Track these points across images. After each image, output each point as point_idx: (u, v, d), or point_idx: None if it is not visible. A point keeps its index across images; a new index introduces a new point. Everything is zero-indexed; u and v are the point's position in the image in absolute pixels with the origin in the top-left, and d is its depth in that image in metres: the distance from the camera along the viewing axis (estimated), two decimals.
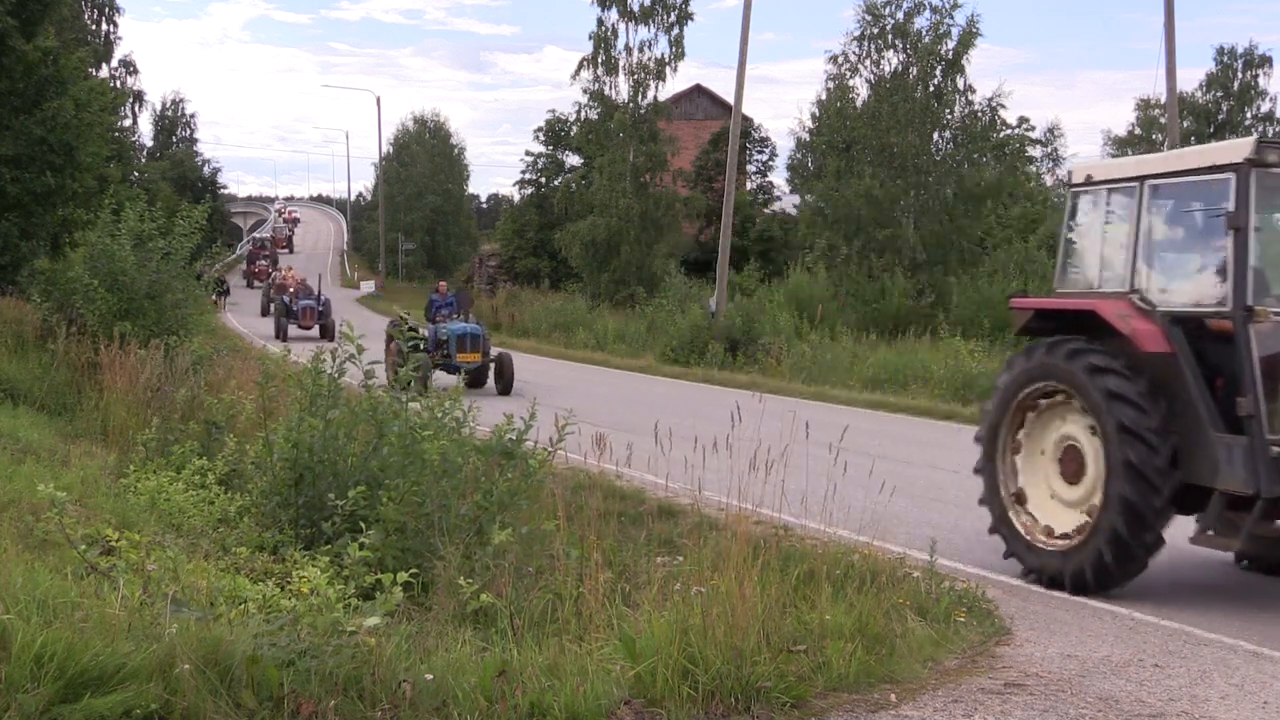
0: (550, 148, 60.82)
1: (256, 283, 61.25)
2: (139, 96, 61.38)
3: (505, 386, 21.83)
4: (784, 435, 7.37)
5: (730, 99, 34.75)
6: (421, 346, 20.78)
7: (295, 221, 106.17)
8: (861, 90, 38.87)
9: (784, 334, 28.08)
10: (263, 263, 66.27)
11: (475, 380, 21.30)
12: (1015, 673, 6.30)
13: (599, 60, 44.51)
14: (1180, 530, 10.50)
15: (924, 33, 37.62)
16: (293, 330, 36.29)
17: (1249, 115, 66.19)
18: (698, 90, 60.10)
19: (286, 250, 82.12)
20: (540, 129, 60.91)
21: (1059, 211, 62.41)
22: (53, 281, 18.30)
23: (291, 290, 45.58)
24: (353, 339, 8.39)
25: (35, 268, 19.50)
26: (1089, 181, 9.32)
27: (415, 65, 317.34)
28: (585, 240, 44.40)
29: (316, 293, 39.28)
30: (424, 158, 76.39)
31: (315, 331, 36.67)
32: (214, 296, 36.02)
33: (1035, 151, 68.84)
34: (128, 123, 57.48)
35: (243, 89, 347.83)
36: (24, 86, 19.50)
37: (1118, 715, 5.72)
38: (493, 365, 22.55)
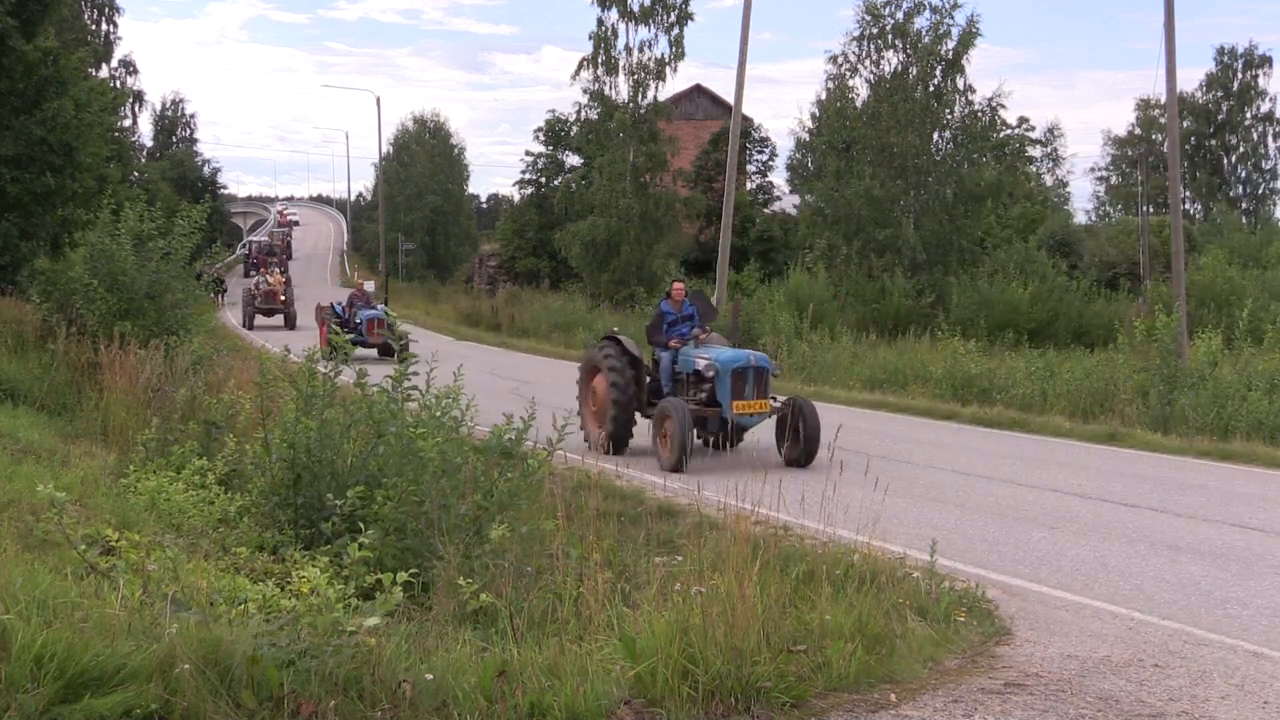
0: (550, 148, 60.87)
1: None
2: (139, 96, 61.49)
3: (806, 452, 13.76)
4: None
5: (730, 99, 34.75)
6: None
7: (293, 224, 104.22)
8: (861, 90, 38.94)
9: (784, 334, 28.08)
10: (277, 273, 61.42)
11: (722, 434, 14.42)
12: (1015, 673, 6.29)
13: (599, 60, 44.51)
14: (1180, 530, 10.50)
15: (924, 33, 37.68)
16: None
17: (1249, 115, 66.29)
18: (698, 90, 60.15)
19: (286, 257, 76.84)
20: (540, 129, 61.03)
21: (1058, 211, 62.60)
22: (53, 281, 18.29)
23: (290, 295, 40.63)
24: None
25: (35, 268, 19.50)
26: None
27: (413, 65, 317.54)
28: (585, 240, 44.40)
29: (384, 301, 32.63)
30: (424, 158, 76.42)
31: (370, 348, 28.32)
32: (212, 295, 35.77)
33: (1035, 151, 68.93)
34: (128, 123, 57.60)
35: (241, 89, 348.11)
36: (24, 87, 19.50)
37: (1118, 715, 5.72)
38: (776, 418, 14.34)
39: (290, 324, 40.96)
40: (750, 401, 13.97)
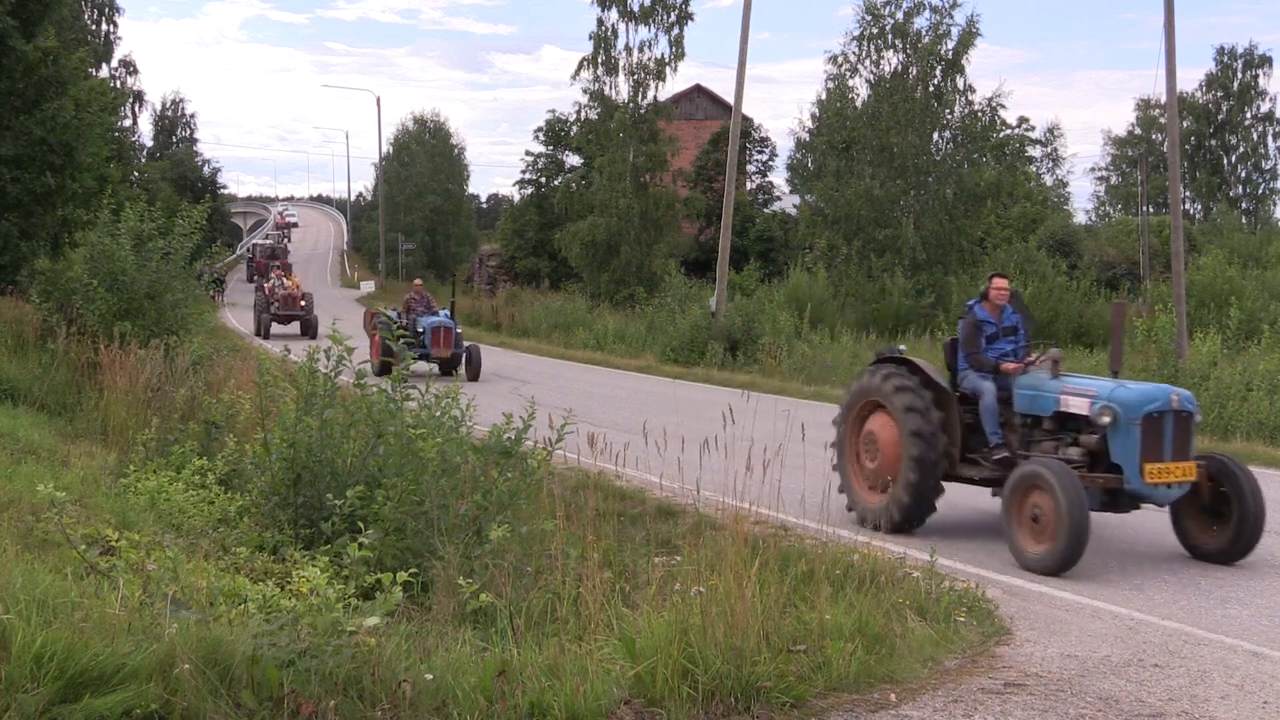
0: (550, 148, 60.83)
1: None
2: (139, 96, 61.48)
3: (1243, 541, 9.20)
4: (782, 435, 7.38)
5: (730, 99, 34.75)
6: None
7: (292, 226, 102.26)
8: (861, 90, 38.96)
9: (784, 334, 28.10)
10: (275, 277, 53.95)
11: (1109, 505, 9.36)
12: (1015, 673, 6.30)
13: (599, 60, 44.52)
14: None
15: (924, 33, 37.70)
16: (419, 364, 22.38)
17: (1249, 115, 66.27)
18: (697, 90, 60.13)
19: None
20: (540, 129, 60.96)
21: (1058, 211, 62.61)
22: (53, 281, 18.30)
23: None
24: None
25: (35, 268, 19.51)
26: None
27: (412, 65, 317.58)
28: (585, 240, 44.40)
29: (451, 306, 26.32)
30: (424, 157, 76.38)
31: (434, 362, 23.62)
32: (211, 294, 35.44)
33: (1035, 151, 68.92)
34: (128, 123, 57.55)
35: (240, 89, 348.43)
36: (24, 87, 19.51)
37: (1118, 715, 5.72)
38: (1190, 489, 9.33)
39: (310, 332, 36.09)
40: (1170, 464, 9.04)
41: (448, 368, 23.79)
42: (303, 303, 37.36)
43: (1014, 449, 9.92)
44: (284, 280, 39.41)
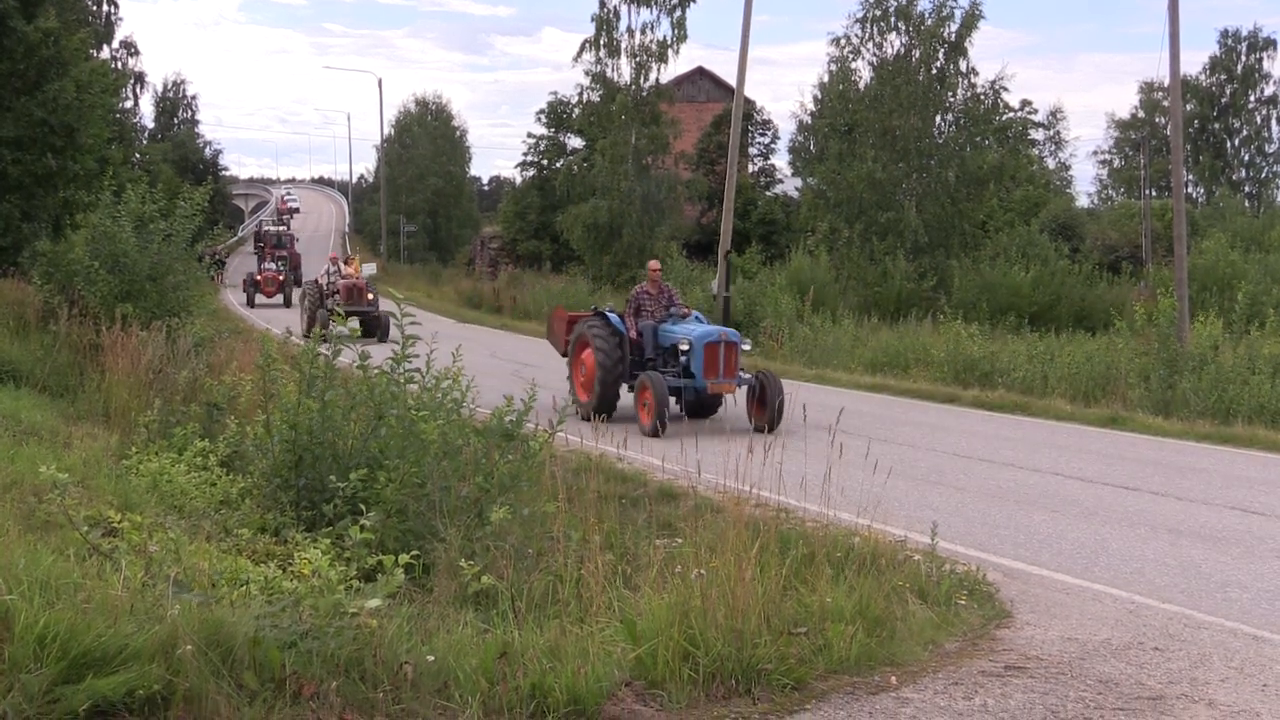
0: (552, 130, 60.74)
1: (262, 296, 44.86)
2: (140, 78, 61.35)
3: None
4: (785, 418, 7.37)
5: (732, 81, 34.65)
6: None
7: (292, 212, 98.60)
8: (864, 73, 38.83)
9: (785, 317, 28.08)
10: (271, 267, 48.12)
11: None
12: (1015, 655, 6.31)
13: (601, 42, 44.40)
14: (1181, 513, 10.51)
15: (926, 15, 37.57)
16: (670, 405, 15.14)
17: (1252, 98, 66.11)
18: (699, 73, 59.98)
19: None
20: (542, 111, 60.89)
21: (1061, 195, 62.48)
22: (54, 263, 18.30)
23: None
24: None
25: (37, 249, 19.49)
26: None
27: (411, 46, 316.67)
28: (587, 223, 44.35)
29: (725, 306, 18.34)
30: (425, 140, 76.27)
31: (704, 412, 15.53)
32: (212, 275, 35.17)
33: (1037, 135, 68.79)
34: (129, 104, 57.44)
35: (239, 70, 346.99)
36: (25, 68, 19.49)
37: (1118, 698, 5.73)
38: None
39: (381, 334, 27.92)
40: None
41: (709, 408, 15.45)
42: (370, 295, 30.14)
43: None
44: (341, 267, 31.82)
